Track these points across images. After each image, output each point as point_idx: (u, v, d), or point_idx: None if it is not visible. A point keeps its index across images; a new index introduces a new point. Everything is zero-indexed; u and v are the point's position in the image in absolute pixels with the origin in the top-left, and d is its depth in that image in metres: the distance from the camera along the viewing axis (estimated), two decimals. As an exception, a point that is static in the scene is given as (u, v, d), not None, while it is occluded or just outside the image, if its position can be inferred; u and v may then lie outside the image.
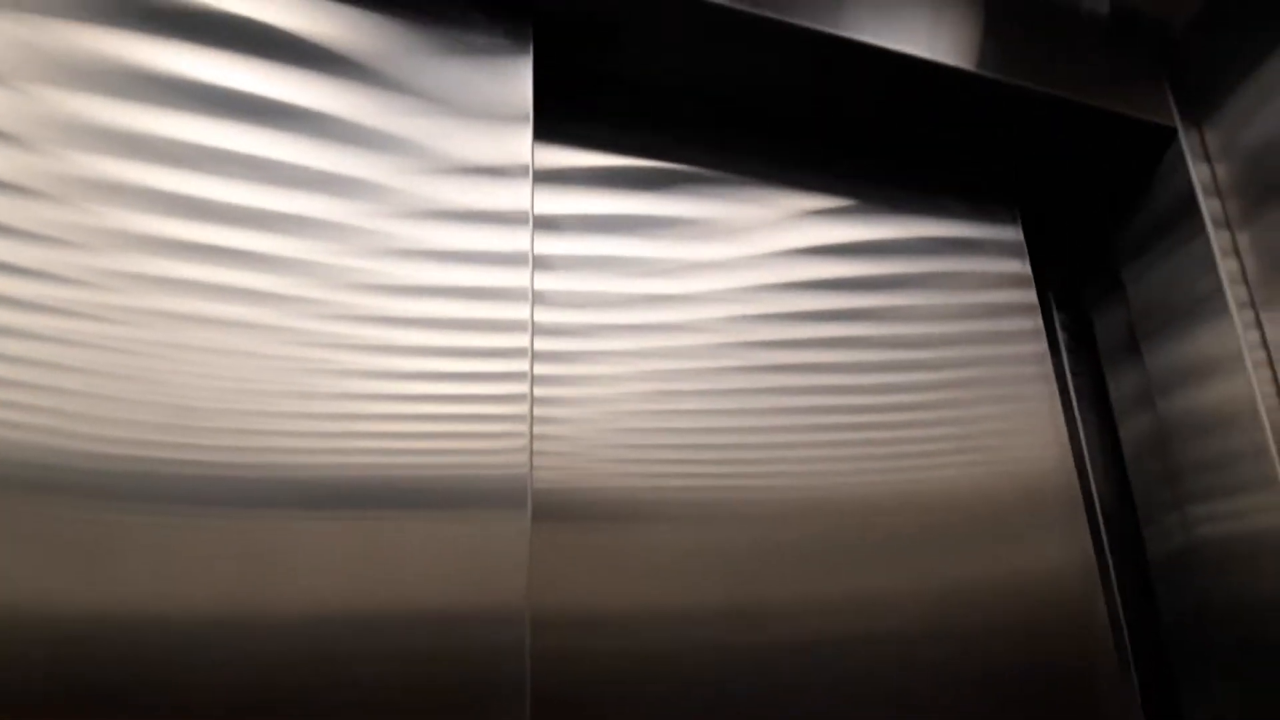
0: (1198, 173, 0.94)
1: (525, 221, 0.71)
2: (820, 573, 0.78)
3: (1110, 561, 0.99)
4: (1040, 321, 0.98)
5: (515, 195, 0.72)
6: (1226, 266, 0.90)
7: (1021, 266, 1.00)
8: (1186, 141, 0.95)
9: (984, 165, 1.03)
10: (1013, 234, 1.01)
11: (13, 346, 0.54)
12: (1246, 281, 0.89)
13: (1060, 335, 1.09)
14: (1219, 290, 0.89)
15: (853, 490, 0.82)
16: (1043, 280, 1.06)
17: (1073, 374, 1.07)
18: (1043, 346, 0.97)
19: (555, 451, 0.73)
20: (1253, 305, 0.88)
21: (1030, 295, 0.99)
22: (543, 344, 0.75)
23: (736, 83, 0.90)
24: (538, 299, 0.76)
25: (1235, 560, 0.86)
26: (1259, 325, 0.87)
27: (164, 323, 0.58)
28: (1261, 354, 0.86)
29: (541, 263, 0.79)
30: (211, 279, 0.60)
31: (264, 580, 0.55)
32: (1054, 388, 0.95)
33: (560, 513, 0.72)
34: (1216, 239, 0.91)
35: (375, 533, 0.59)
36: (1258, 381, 0.85)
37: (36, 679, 0.49)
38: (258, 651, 0.54)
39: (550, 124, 0.81)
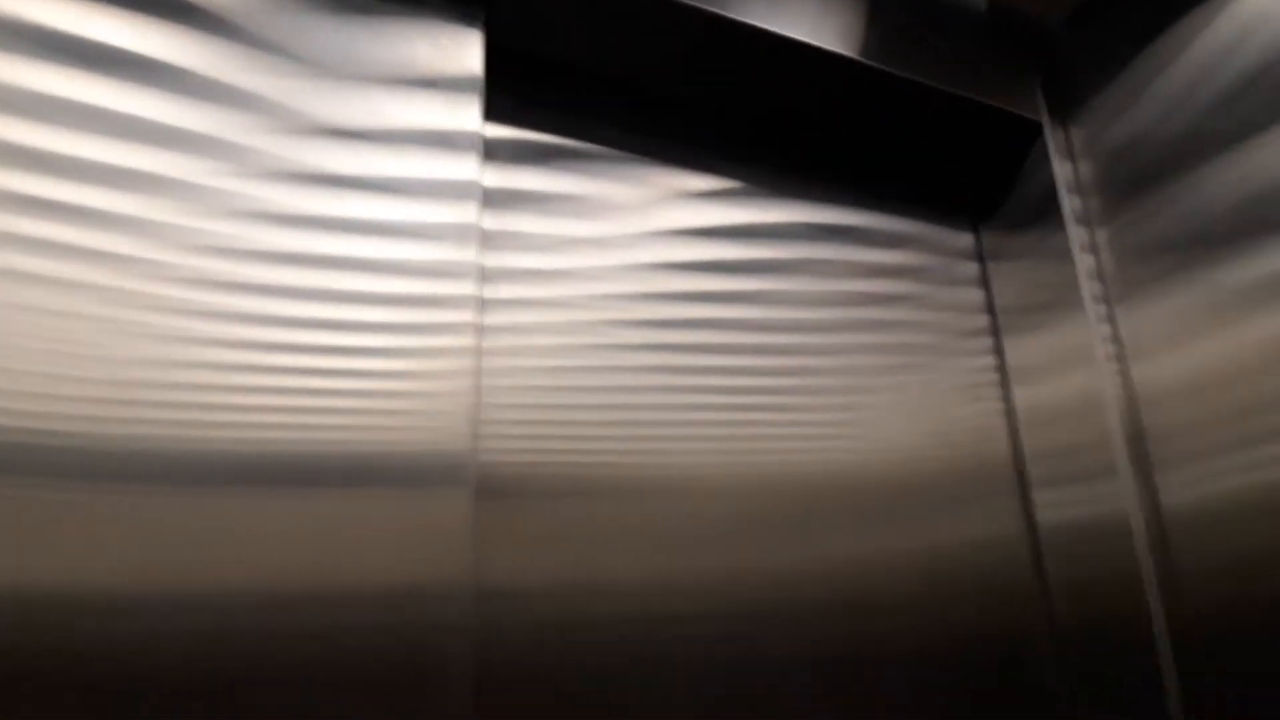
0: (1060, 169, 0.97)
1: (474, 194, 0.71)
2: (726, 548, 0.80)
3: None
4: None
5: (461, 167, 0.71)
6: (1084, 262, 0.93)
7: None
8: (1052, 138, 0.98)
9: (865, 153, 1.05)
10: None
11: None
12: (1102, 277, 0.93)
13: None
14: (1075, 285, 0.92)
15: (747, 469, 0.83)
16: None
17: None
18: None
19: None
20: (1107, 300, 0.92)
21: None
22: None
23: (619, 59, 0.88)
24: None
25: (1079, 544, 0.90)
26: (1111, 320, 0.91)
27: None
28: (1112, 348, 0.90)
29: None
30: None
31: (184, 558, 0.54)
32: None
33: (498, 488, 0.72)
34: (1076, 235, 0.94)
35: (312, 509, 0.58)
36: (1108, 374, 0.89)
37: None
38: (197, 628, 0.53)
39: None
